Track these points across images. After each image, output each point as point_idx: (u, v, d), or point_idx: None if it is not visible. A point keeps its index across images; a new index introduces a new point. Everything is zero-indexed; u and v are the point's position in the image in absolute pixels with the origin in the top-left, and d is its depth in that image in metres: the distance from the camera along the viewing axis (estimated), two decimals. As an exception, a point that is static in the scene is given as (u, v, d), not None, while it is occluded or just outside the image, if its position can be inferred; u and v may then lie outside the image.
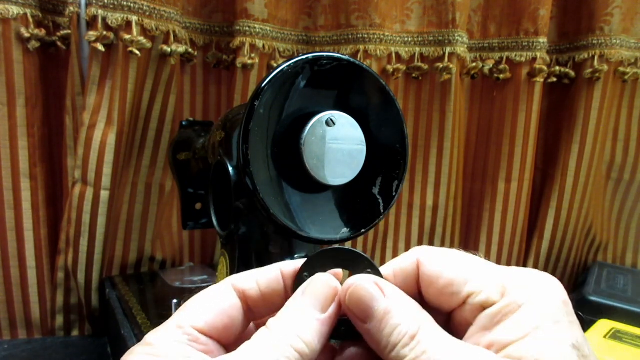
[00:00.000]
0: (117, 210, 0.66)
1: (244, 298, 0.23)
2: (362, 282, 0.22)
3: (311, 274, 0.23)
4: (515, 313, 0.20)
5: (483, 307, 0.21)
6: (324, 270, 0.23)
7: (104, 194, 0.60)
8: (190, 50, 0.66)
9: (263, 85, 0.27)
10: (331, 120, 0.29)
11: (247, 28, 0.67)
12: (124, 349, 0.45)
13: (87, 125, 0.59)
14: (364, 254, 0.23)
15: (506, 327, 0.20)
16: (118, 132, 0.60)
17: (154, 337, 0.21)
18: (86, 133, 0.59)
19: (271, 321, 0.21)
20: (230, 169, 0.36)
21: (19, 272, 0.62)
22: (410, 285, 0.23)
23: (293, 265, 0.23)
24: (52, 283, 0.64)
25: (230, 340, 0.22)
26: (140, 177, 0.67)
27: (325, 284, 0.22)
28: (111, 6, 0.57)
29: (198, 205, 0.62)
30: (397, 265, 0.23)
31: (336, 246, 0.24)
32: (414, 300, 0.22)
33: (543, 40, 0.75)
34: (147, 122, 0.65)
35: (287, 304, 0.22)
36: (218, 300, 0.22)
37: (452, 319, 0.22)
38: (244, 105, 0.32)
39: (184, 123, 0.63)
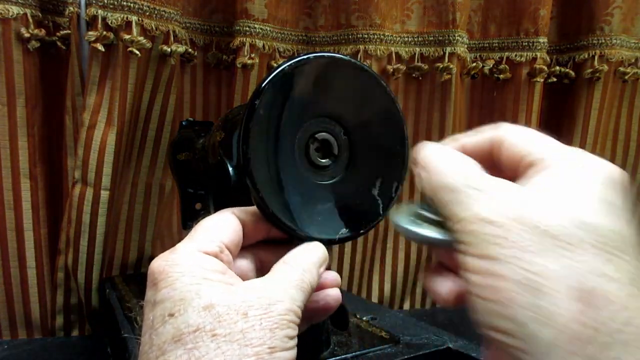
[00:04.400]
0: (117, 210, 0.66)
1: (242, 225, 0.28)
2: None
3: None
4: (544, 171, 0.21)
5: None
6: None
7: (104, 194, 0.60)
8: (190, 50, 0.66)
9: (263, 85, 0.27)
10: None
11: (247, 28, 0.67)
12: (124, 349, 0.45)
13: (87, 125, 0.59)
14: None
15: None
16: (118, 132, 0.60)
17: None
18: (86, 133, 0.59)
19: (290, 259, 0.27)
20: (230, 169, 0.36)
21: (19, 272, 0.62)
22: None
23: None
24: (52, 283, 0.64)
25: (233, 257, 0.27)
26: (140, 177, 0.67)
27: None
28: (111, 6, 0.57)
29: (198, 205, 0.62)
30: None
31: None
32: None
33: (543, 40, 0.75)
34: (147, 122, 0.65)
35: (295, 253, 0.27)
36: (232, 223, 0.27)
37: None
38: (243, 106, 0.32)
39: (184, 123, 0.63)
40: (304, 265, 0.26)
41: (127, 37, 0.57)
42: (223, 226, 0.27)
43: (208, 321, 0.21)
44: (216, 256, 0.25)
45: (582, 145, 0.80)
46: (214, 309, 0.22)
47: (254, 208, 0.29)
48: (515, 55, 0.76)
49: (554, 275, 0.18)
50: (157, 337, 0.22)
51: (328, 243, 0.30)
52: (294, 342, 0.23)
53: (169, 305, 0.22)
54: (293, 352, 0.23)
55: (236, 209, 0.29)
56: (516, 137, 0.23)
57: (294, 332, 0.23)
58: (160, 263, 0.24)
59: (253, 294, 0.23)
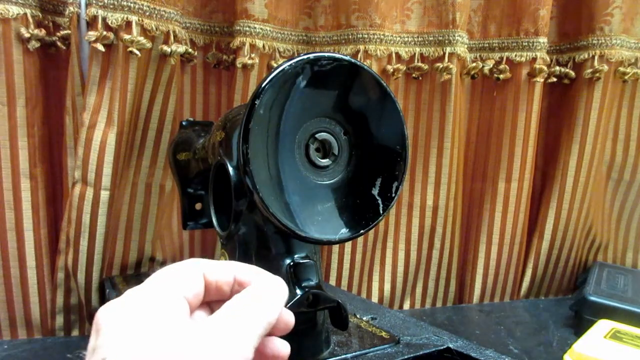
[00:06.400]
0: (117, 210, 0.66)
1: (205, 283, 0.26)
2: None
3: None
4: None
5: None
6: None
7: (104, 194, 0.60)
8: (190, 50, 0.66)
9: (263, 85, 0.27)
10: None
11: (247, 28, 0.67)
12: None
13: (87, 125, 0.59)
14: None
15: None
16: (118, 132, 0.60)
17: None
18: (86, 133, 0.59)
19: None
20: (230, 169, 0.36)
21: (19, 272, 0.62)
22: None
23: (245, 268, 0.27)
24: (52, 283, 0.64)
25: (191, 309, 0.26)
26: (140, 177, 0.67)
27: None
28: (111, 6, 0.57)
29: (198, 205, 0.62)
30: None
31: None
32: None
33: (543, 40, 0.75)
34: (147, 122, 0.65)
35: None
36: (194, 274, 0.26)
37: None
38: (244, 105, 0.32)
39: (184, 123, 0.63)
40: (264, 300, 0.24)
41: (127, 37, 0.57)
42: (183, 276, 0.26)
43: None
44: (172, 304, 0.24)
45: (582, 145, 0.80)
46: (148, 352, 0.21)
47: (220, 264, 0.27)
48: (515, 55, 0.76)
49: None
50: None
51: (328, 243, 0.30)
52: None
53: (105, 350, 0.21)
54: None
55: (203, 262, 0.27)
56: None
57: None
58: (105, 311, 0.23)
59: (198, 339, 0.22)
